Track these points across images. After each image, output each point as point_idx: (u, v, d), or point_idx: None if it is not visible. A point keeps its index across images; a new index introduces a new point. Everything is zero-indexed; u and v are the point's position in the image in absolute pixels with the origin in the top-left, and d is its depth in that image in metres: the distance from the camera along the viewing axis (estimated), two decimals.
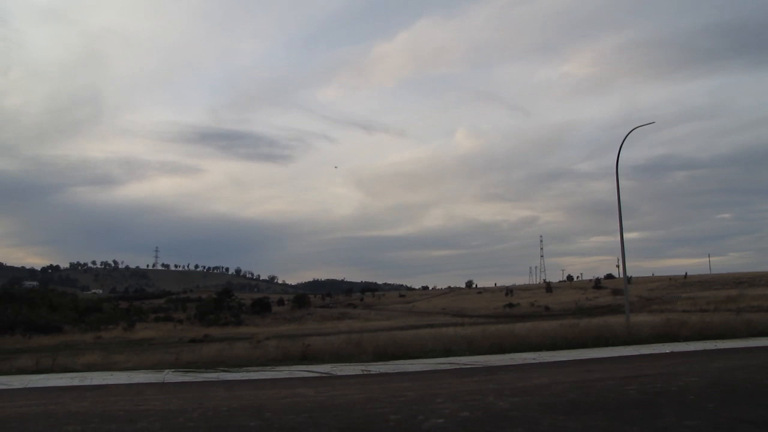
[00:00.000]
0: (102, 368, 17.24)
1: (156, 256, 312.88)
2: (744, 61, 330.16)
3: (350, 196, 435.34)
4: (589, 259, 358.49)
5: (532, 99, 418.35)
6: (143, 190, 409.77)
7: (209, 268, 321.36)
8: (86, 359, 19.55)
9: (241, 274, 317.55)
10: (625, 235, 24.96)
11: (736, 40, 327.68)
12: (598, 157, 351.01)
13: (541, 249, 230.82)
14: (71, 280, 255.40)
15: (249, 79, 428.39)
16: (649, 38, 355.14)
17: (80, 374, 15.55)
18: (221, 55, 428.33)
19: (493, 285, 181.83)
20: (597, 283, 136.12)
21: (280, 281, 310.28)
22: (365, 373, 13.69)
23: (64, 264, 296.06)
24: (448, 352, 17.44)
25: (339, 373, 13.77)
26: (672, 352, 15.76)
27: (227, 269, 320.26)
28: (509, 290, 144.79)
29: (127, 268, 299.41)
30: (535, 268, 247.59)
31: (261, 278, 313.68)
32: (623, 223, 24.60)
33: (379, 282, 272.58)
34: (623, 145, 24.60)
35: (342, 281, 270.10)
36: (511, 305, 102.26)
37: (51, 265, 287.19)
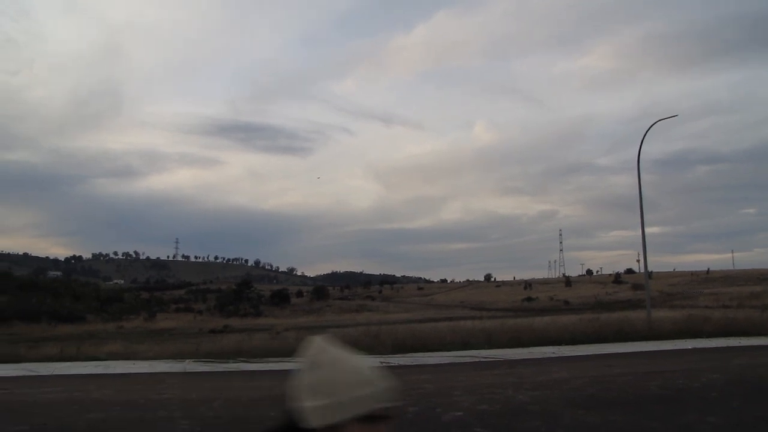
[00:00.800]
0: (124, 357, 17.45)
1: (176, 247, 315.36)
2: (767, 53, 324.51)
3: (368, 188, 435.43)
4: (609, 253, 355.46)
5: (551, 92, 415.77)
6: (163, 181, 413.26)
7: (229, 259, 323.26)
8: (109, 348, 19.78)
9: (261, 265, 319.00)
10: (646, 230, 24.67)
11: (759, 33, 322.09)
12: (617, 150, 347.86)
13: (561, 243, 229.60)
14: (93, 271, 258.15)
15: (268, 72, 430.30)
16: (670, 31, 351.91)
17: (103, 363, 15.77)
18: (240, 48, 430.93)
19: (512, 278, 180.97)
20: (617, 278, 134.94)
21: (299, 273, 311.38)
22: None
23: (86, 254, 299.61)
24: (466, 345, 17.39)
25: None
26: (694, 348, 15.58)
27: (246, 261, 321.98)
28: (528, 284, 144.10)
29: (147, 258, 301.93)
30: (554, 262, 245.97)
31: (280, 270, 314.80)
32: (644, 216, 24.32)
33: (398, 275, 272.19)
34: (645, 139, 24.29)
35: (360, 273, 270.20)
36: (529, 299, 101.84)
37: (74, 256, 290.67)
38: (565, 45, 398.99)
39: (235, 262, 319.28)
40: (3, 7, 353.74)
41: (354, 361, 1.32)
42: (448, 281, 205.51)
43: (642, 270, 28.11)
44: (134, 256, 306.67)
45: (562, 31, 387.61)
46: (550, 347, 16.65)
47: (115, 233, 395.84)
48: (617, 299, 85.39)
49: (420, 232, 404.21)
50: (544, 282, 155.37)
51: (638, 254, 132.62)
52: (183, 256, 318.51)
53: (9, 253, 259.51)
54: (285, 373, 12.46)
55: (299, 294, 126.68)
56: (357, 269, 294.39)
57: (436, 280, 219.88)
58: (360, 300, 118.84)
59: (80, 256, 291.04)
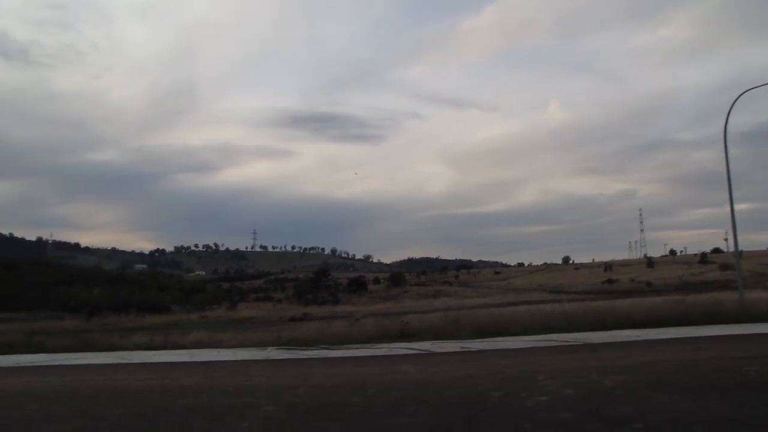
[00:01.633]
0: (209, 346, 18.01)
1: (254, 238, 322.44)
2: None
3: (442, 173, 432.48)
4: (693, 232, 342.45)
5: (628, 67, 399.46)
6: (240, 174, 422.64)
7: (305, 248, 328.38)
8: (194, 337, 20.46)
9: (337, 253, 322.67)
10: (735, 206, 23.57)
11: None
12: (701, 124, 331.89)
13: (641, 223, 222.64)
14: (176, 263, 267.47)
15: (338, 62, 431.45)
16: None
17: (189, 351, 16.33)
18: (310, 40, 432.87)
19: (591, 261, 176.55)
20: (703, 258, 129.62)
21: (375, 260, 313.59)
22: (464, 350, 13.65)
23: (169, 247, 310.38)
24: (547, 329, 17.11)
25: (438, 351, 13.79)
26: None
27: (323, 249, 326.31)
28: (608, 266, 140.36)
29: (227, 250, 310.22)
30: (635, 242, 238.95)
31: (356, 257, 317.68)
32: (733, 192, 23.22)
33: (474, 259, 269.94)
34: (732, 111, 23.16)
35: (437, 259, 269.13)
36: (610, 281, 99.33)
37: (157, 249, 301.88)
38: (640, 16, 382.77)
39: (311, 251, 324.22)
40: (88, 17, 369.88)
41: None
42: (526, 265, 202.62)
43: (731, 249, 26.87)
44: (214, 248, 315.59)
45: (637, 2, 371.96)
46: (634, 330, 16.17)
47: (195, 226, 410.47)
48: (704, 280, 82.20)
49: (496, 215, 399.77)
50: (625, 263, 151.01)
51: (726, 232, 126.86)
52: (261, 246, 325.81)
53: (99, 248, 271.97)
54: (364, 360, 12.60)
55: (376, 281, 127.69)
56: (433, 255, 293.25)
57: (513, 264, 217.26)
58: (437, 285, 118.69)
59: (163, 249, 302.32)
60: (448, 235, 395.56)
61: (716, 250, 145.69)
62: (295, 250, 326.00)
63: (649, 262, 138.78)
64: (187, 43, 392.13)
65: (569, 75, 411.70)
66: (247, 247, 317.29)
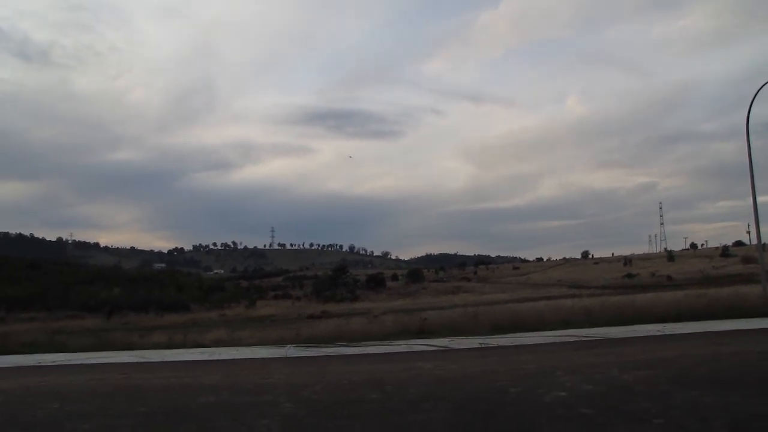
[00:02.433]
0: (228, 344, 18.11)
1: (272, 236, 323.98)
2: None
3: (461, 168, 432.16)
4: (714, 225, 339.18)
5: (648, 58, 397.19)
6: (258, 172, 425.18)
7: (324, 245, 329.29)
8: (213, 335, 20.59)
9: (355, 250, 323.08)
10: (758, 198, 23.24)
11: None
12: (724, 115, 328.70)
13: (661, 216, 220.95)
14: (195, 261, 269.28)
15: (355, 58, 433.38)
16: None
17: (209, 349, 16.42)
18: (327, 36, 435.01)
19: (610, 255, 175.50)
20: (725, 251, 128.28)
21: (393, 257, 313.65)
22: (483, 346, 13.60)
23: (187, 246, 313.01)
24: (566, 324, 17.02)
25: (456, 347, 13.76)
26: None
27: (341, 246, 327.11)
28: (627, 260, 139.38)
29: (245, 248, 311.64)
30: (655, 236, 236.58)
31: (374, 254, 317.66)
32: (756, 184, 22.90)
33: (492, 255, 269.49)
34: (755, 101, 22.80)
35: (455, 255, 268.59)
36: (630, 275, 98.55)
37: (176, 248, 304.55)
38: (661, 7, 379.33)
39: (329, 249, 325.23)
40: (107, 18, 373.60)
41: None
42: (544, 260, 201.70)
43: (753, 241, 26.51)
44: (232, 246, 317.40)
45: None
46: (655, 325, 16.04)
47: (213, 225, 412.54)
48: (726, 273, 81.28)
49: (514, 210, 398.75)
50: (645, 257, 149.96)
51: (748, 225, 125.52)
52: (279, 244, 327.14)
53: (118, 248, 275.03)
54: (383, 357, 12.60)
55: (394, 277, 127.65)
56: (451, 251, 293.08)
57: (531, 259, 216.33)
58: (455, 281, 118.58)
59: (182, 248, 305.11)
60: (466, 230, 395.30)
61: (738, 243, 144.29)
62: (313, 248, 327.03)
63: (670, 255, 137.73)
64: (204, 42, 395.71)
65: (588, 68, 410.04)
66: (265, 245, 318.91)
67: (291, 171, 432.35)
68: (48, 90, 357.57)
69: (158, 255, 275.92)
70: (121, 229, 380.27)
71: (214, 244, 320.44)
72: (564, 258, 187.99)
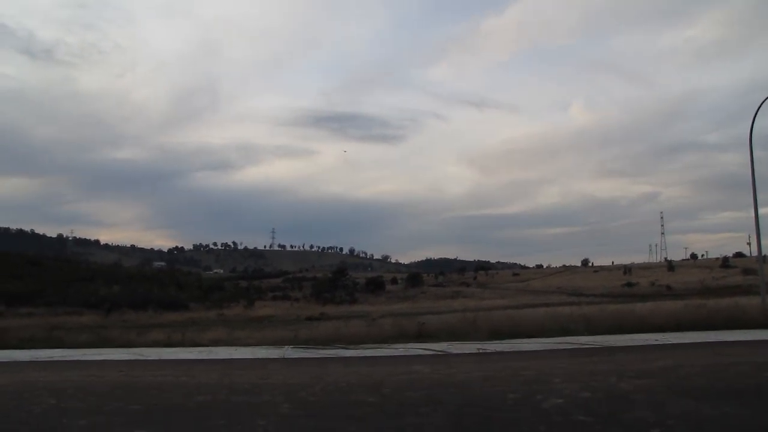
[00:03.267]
0: (226, 343, 18.11)
1: (272, 237, 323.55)
2: None
3: (463, 174, 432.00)
4: (715, 236, 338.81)
5: (653, 68, 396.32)
6: (259, 173, 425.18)
7: (324, 248, 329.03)
8: (211, 335, 20.59)
9: (355, 253, 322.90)
10: (760, 210, 23.23)
11: None
12: (727, 127, 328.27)
13: (662, 226, 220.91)
14: (195, 261, 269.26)
15: (360, 61, 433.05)
16: None
17: (207, 348, 16.41)
18: (332, 39, 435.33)
19: (611, 263, 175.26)
20: (725, 262, 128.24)
21: (393, 260, 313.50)
22: (481, 351, 13.59)
23: (187, 245, 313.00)
24: (565, 332, 17.01)
25: (455, 351, 13.75)
26: None
27: (341, 249, 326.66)
28: (627, 269, 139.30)
29: (245, 248, 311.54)
30: (656, 245, 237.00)
31: (374, 257, 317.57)
32: (758, 196, 22.89)
33: (492, 260, 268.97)
34: (760, 112, 22.80)
35: (455, 260, 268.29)
36: (629, 284, 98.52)
37: (176, 247, 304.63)
38: (668, 16, 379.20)
39: (330, 251, 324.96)
40: (112, 17, 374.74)
41: None
42: (544, 266, 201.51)
43: (754, 253, 26.48)
44: (232, 246, 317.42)
45: (664, 2, 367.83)
46: (654, 334, 16.02)
47: (214, 225, 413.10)
48: (726, 284, 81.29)
49: (515, 217, 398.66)
50: (645, 267, 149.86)
51: (749, 236, 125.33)
52: (279, 245, 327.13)
53: (118, 246, 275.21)
54: (381, 360, 12.58)
55: (394, 281, 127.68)
56: (451, 256, 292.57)
57: (531, 266, 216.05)
58: (455, 286, 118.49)
59: (182, 247, 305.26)
60: (467, 236, 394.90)
61: (739, 254, 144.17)
62: (313, 250, 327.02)
63: (670, 265, 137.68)
64: (208, 42, 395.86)
65: (593, 75, 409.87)
66: (265, 246, 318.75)
67: (293, 173, 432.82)
68: (52, 87, 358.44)
69: (158, 253, 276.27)
70: (122, 227, 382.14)
71: (215, 244, 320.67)
72: (564, 265, 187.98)
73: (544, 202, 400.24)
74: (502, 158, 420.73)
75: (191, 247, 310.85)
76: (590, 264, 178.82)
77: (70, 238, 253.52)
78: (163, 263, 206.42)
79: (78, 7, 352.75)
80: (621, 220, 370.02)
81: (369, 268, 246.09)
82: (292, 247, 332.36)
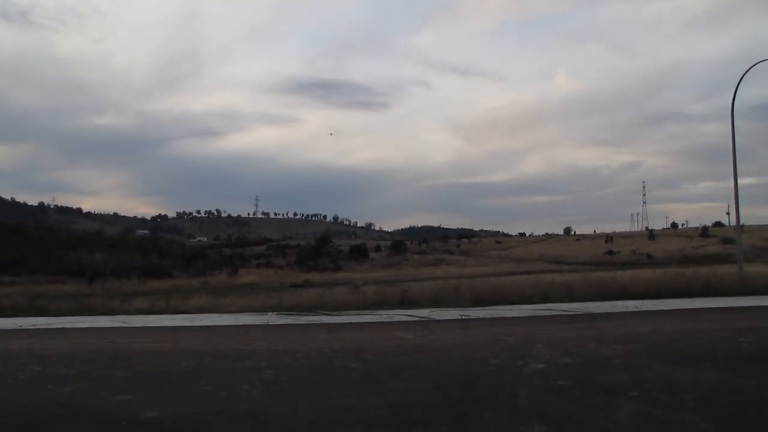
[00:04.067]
0: (210, 311, 18.13)
1: (256, 205, 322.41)
2: None
3: (447, 142, 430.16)
4: (695, 206, 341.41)
5: (639, 37, 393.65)
6: (243, 140, 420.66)
7: (308, 215, 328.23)
8: (195, 302, 20.59)
9: (339, 221, 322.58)
10: (740, 180, 23.41)
11: None
12: (711, 97, 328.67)
13: (644, 195, 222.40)
14: (178, 229, 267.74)
15: (345, 28, 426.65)
16: None
17: (191, 315, 16.44)
18: (317, 5, 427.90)
19: (592, 232, 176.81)
20: (704, 231, 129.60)
21: (377, 228, 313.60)
22: (463, 318, 13.74)
23: (171, 213, 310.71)
24: (546, 299, 17.21)
25: (437, 318, 13.89)
26: None
27: (325, 217, 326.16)
28: (609, 237, 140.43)
29: (229, 216, 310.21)
30: (637, 214, 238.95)
31: (358, 225, 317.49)
32: (738, 167, 23.06)
33: (476, 228, 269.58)
34: (741, 83, 22.87)
35: (438, 228, 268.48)
36: (610, 252, 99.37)
37: (159, 215, 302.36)
38: None
39: (313, 218, 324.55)
40: None
41: None
42: (527, 235, 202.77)
43: (733, 223, 26.77)
44: (216, 214, 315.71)
45: None
46: (634, 301, 16.26)
47: (197, 192, 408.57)
48: (705, 253, 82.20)
49: (499, 185, 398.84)
50: (626, 235, 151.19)
51: (728, 206, 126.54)
52: (263, 213, 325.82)
53: (101, 213, 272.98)
54: (364, 326, 12.70)
55: (377, 249, 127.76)
56: (435, 223, 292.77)
57: (514, 234, 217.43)
58: (438, 254, 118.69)
59: (165, 215, 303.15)
60: (450, 204, 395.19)
61: (718, 224, 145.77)
62: (297, 217, 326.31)
63: (651, 234, 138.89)
64: (191, 7, 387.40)
65: (579, 45, 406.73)
66: (249, 214, 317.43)
67: (277, 140, 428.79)
68: (29, 52, 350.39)
69: (141, 221, 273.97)
70: (104, 194, 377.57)
71: (198, 212, 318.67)
72: (546, 234, 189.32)
73: (528, 171, 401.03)
74: (487, 127, 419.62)
75: (174, 215, 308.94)
76: (572, 232, 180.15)
77: (52, 207, 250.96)
78: (146, 231, 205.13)
79: None
80: (604, 189, 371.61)
81: (353, 236, 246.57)
82: (275, 214, 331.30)
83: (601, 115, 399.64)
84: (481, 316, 14.07)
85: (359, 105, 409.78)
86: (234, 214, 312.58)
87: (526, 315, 14.08)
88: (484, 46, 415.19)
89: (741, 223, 24.10)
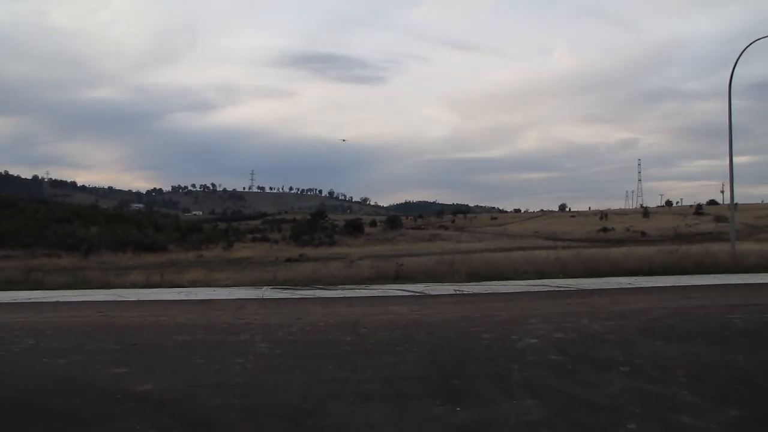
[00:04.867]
0: (205, 284, 18.19)
1: (252, 179, 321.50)
2: None
3: (444, 117, 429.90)
4: (690, 183, 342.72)
5: (639, 13, 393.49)
6: (239, 114, 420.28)
7: (303, 190, 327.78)
8: (190, 276, 20.64)
9: (334, 195, 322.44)
10: (735, 159, 23.38)
11: None
12: (708, 74, 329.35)
13: (639, 173, 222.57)
14: (173, 202, 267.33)
15: (343, 1, 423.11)
16: None
17: (186, 289, 16.47)
18: None
19: (587, 209, 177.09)
20: (698, 209, 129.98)
21: (372, 203, 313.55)
22: (458, 293, 13.80)
23: (166, 187, 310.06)
24: (541, 275, 17.30)
25: (432, 293, 13.96)
26: None
27: (320, 191, 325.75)
28: (604, 214, 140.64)
29: (224, 190, 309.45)
30: (632, 192, 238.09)
31: (354, 200, 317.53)
32: (733, 145, 23.01)
33: (471, 204, 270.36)
34: (739, 61, 22.72)
35: (434, 203, 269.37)
36: (605, 229, 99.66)
37: (155, 188, 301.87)
38: None
39: (309, 193, 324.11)
40: None
41: None
42: (522, 211, 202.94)
43: (727, 201, 26.83)
44: (211, 188, 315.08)
45: None
46: (627, 278, 16.37)
47: (193, 166, 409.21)
48: (698, 231, 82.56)
49: (495, 161, 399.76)
50: (621, 213, 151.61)
51: (723, 185, 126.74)
52: (258, 187, 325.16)
53: (96, 187, 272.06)
54: (360, 300, 12.74)
55: (373, 223, 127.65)
56: (430, 199, 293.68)
57: (509, 210, 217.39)
58: (433, 229, 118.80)
59: (161, 189, 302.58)
60: (446, 179, 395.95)
61: (712, 202, 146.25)
62: (292, 192, 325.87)
63: (645, 212, 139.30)
64: None
65: (578, 21, 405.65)
66: (244, 188, 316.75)
67: (273, 114, 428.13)
68: (23, 22, 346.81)
69: (136, 195, 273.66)
70: (99, 168, 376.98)
71: (193, 186, 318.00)
72: (541, 210, 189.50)
73: (524, 147, 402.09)
74: (484, 102, 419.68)
75: (170, 189, 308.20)
76: (567, 209, 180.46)
77: (46, 180, 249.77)
78: (141, 205, 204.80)
79: None
80: (599, 166, 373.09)
81: (348, 211, 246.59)
82: (271, 189, 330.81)
83: (598, 91, 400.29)
84: (475, 291, 14.14)
85: (356, 79, 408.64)
86: (229, 188, 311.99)
87: (521, 290, 14.15)
88: (483, 21, 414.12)
89: (735, 202, 24.12)
